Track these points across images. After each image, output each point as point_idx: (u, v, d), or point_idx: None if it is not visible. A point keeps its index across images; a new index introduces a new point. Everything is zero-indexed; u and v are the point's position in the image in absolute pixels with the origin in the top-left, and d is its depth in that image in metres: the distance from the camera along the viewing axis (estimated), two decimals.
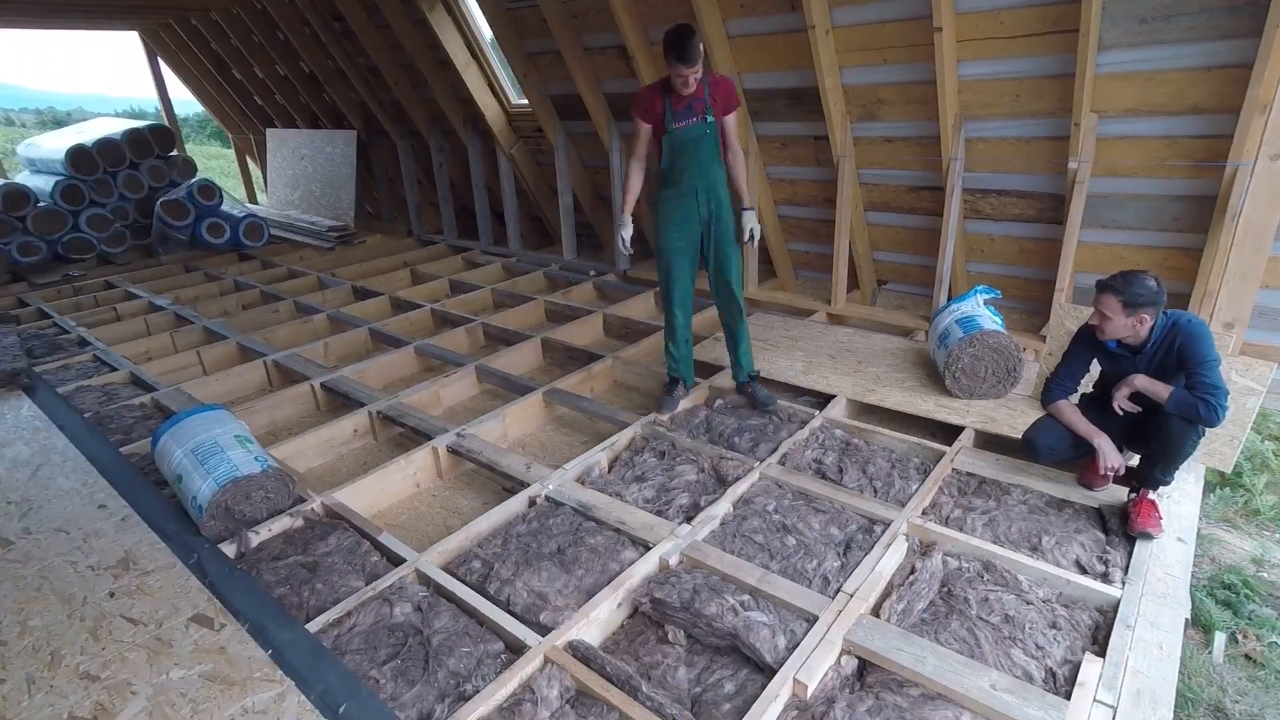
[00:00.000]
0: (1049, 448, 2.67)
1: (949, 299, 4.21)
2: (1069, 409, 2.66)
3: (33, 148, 7.76)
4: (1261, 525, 3.07)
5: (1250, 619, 2.49)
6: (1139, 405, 2.51)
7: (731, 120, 3.16)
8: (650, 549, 2.44)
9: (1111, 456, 2.51)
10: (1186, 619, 2.16)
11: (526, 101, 6.07)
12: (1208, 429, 2.39)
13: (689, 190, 3.18)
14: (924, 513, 2.65)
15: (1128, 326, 2.38)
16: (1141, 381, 2.41)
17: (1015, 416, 3.18)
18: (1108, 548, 2.43)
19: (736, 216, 3.29)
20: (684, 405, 3.57)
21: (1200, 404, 2.27)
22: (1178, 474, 2.54)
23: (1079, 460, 2.74)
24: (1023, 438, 2.76)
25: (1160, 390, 2.36)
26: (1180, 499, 2.66)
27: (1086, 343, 2.59)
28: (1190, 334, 2.34)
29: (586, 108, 5.43)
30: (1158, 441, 2.42)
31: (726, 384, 3.75)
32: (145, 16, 8.58)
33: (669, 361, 3.54)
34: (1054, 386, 2.70)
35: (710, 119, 3.08)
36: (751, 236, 3.31)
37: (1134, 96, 3.34)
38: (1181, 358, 2.34)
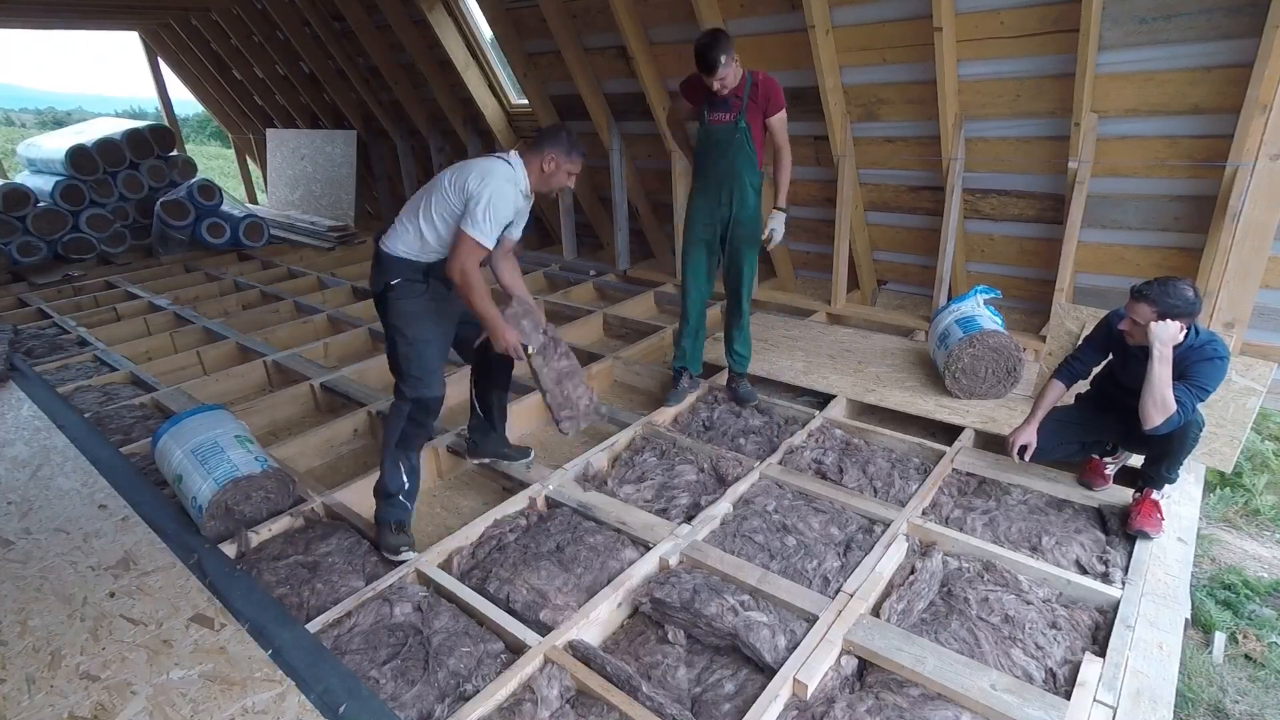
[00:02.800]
0: (1037, 449, 2.66)
1: (949, 299, 4.21)
2: (1051, 394, 2.66)
3: (33, 148, 7.75)
4: (1261, 525, 3.07)
5: (1250, 619, 2.50)
6: (1119, 391, 2.50)
7: (777, 121, 3.13)
8: (650, 549, 2.44)
9: (1020, 435, 2.64)
10: (1186, 619, 2.16)
11: (526, 101, 6.07)
12: (1202, 429, 2.38)
13: (713, 186, 3.23)
14: (924, 513, 2.65)
15: None
16: (1160, 347, 2.26)
17: (1015, 417, 3.17)
18: (1108, 548, 2.43)
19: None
20: (689, 399, 3.59)
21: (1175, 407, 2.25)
22: (1179, 474, 2.53)
23: (1069, 460, 2.74)
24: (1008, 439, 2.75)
25: (1161, 373, 2.26)
26: (1180, 499, 2.66)
27: (1110, 331, 2.53)
28: (1203, 360, 2.28)
29: (586, 108, 5.43)
30: (1156, 440, 2.41)
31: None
32: (145, 16, 8.58)
33: (676, 351, 3.59)
34: (1065, 366, 2.69)
35: (742, 123, 3.08)
36: (770, 238, 3.29)
37: (1134, 96, 3.34)
38: (1183, 371, 2.31)
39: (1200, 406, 2.34)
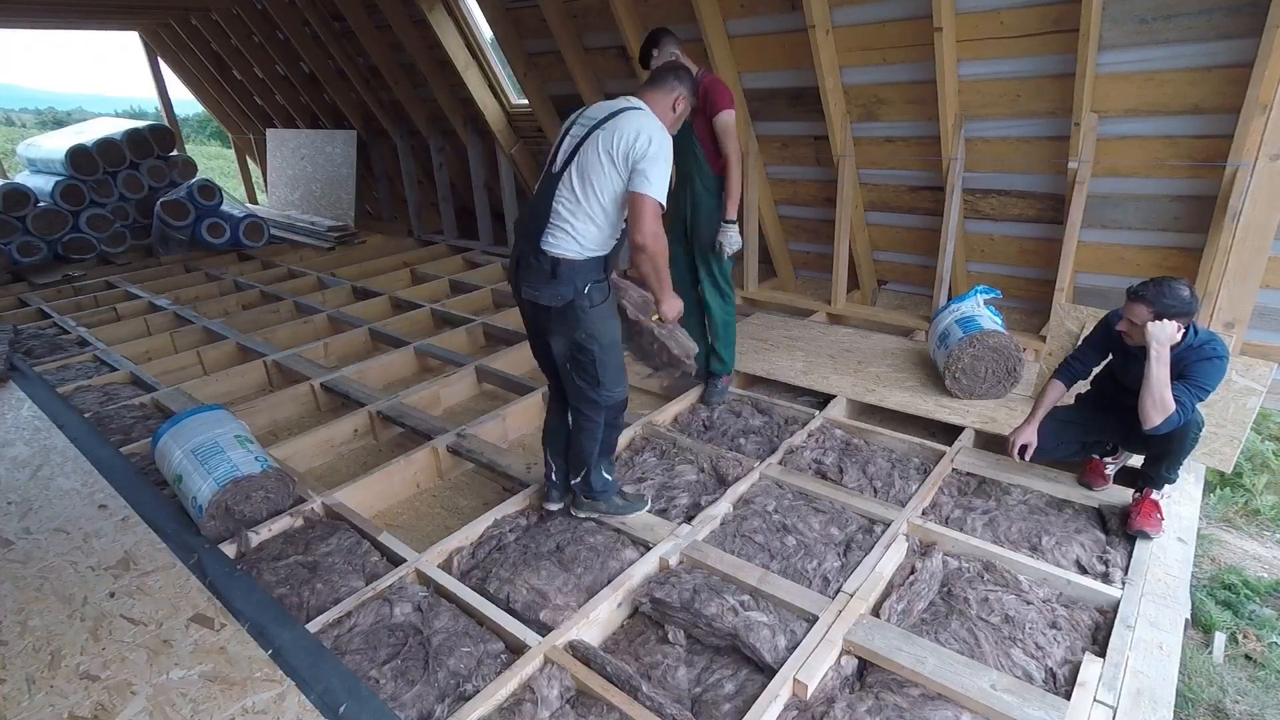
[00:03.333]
0: (1038, 448, 2.66)
1: (949, 299, 4.21)
2: (1052, 394, 2.66)
3: (33, 148, 7.76)
4: (1261, 525, 3.07)
5: (1250, 619, 2.50)
6: (1119, 391, 2.50)
7: (718, 123, 3.04)
8: (650, 549, 2.44)
9: (1021, 435, 2.64)
10: (1186, 619, 2.16)
11: (526, 101, 6.07)
12: (1201, 429, 2.38)
13: (673, 191, 3.22)
14: (924, 513, 2.64)
15: None
16: (1157, 347, 2.25)
17: (1015, 417, 3.17)
18: (1108, 548, 2.43)
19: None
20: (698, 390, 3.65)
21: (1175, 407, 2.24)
22: (1179, 474, 2.53)
23: (1070, 459, 2.74)
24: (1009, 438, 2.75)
25: (1159, 374, 2.25)
26: (1180, 499, 2.66)
27: (1109, 332, 2.53)
28: (1202, 360, 2.28)
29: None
30: (1156, 441, 2.41)
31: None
32: (145, 16, 8.58)
33: None
34: (1065, 366, 2.69)
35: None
36: (719, 251, 3.17)
37: (1134, 96, 3.34)
38: (1182, 370, 2.31)
39: (1200, 406, 2.33)
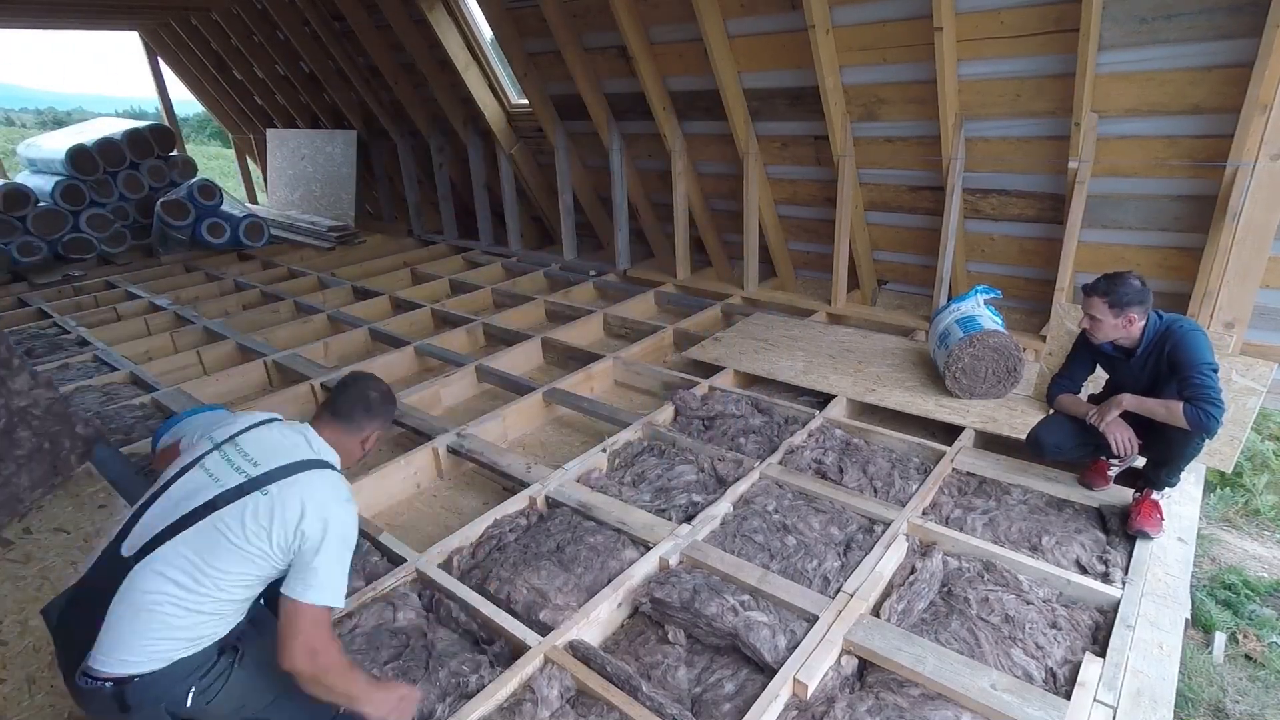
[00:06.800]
0: (1055, 445, 2.66)
1: (949, 299, 4.21)
2: (1071, 399, 2.66)
3: (33, 148, 7.76)
4: (1261, 525, 3.07)
5: (1250, 619, 2.50)
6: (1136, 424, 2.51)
7: None
8: (650, 549, 2.44)
9: (1120, 437, 2.42)
10: (1186, 619, 2.16)
11: (526, 101, 6.07)
12: (1205, 440, 2.37)
13: None
14: (924, 513, 2.65)
15: (1117, 327, 2.39)
16: (1130, 401, 2.40)
17: (1015, 416, 3.18)
18: (1108, 548, 2.43)
19: None
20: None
21: (1199, 412, 2.23)
22: (1179, 479, 2.53)
23: (1083, 459, 2.74)
24: (1029, 435, 2.75)
25: (1152, 406, 2.35)
26: (1180, 499, 2.66)
27: (1086, 345, 2.60)
28: (1181, 338, 2.30)
29: (586, 108, 5.43)
30: (1161, 445, 2.41)
31: (726, 384, 3.77)
32: (145, 16, 8.58)
33: None
34: (1054, 383, 2.72)
35: None
36: None
37: (1134, 96, 3.34)
38: (1173, 363, 2.31)
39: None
